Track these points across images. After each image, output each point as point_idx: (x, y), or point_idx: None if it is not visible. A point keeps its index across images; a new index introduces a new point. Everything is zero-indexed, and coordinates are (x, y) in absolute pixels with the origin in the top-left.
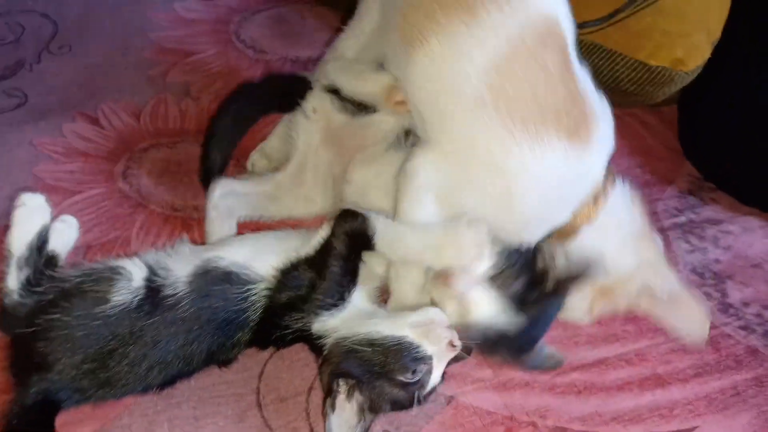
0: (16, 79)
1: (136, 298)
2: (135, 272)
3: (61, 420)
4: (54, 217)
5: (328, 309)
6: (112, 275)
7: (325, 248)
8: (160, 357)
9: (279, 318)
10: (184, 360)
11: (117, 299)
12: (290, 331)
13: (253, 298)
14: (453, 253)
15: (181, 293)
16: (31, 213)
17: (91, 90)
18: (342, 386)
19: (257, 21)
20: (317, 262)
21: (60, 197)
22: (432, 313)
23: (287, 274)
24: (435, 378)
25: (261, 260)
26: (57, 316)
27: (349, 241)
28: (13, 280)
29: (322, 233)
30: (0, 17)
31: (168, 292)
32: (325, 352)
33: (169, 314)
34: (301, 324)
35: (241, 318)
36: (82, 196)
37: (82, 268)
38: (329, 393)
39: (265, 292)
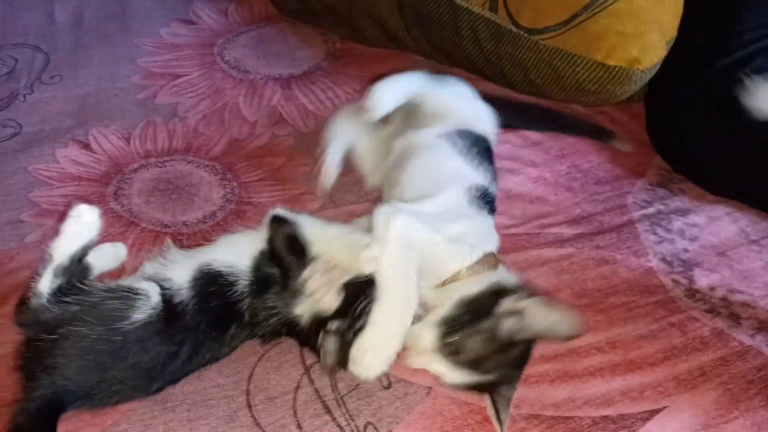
0: (10, 110)
1: (155, 312)
2: (151, 290)
3: (61, 429)
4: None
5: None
6: (133, 295)
7: (272, 250)
8: (170, 361)
9: (264, 307)
10: (188, 361)
11: (137, 317)
12: (276, 317)
13: (240, 291)
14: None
15: (186, 299)
16: (83, 226)
17: (82, 117)
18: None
19: (240, 42)
20: (274, 257)
21: (55, 220)
22: None
23: (257, 270)
24: None
25: (240, 259)
26: (78, 328)
27: (286, 246)
28: (46, 285)
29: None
30: None
31: (177, 300)
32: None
33: (179, 321)
34: (284, 306)
35: (233, 311)
36: None
37: (108, 284)
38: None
39: (247, 288)
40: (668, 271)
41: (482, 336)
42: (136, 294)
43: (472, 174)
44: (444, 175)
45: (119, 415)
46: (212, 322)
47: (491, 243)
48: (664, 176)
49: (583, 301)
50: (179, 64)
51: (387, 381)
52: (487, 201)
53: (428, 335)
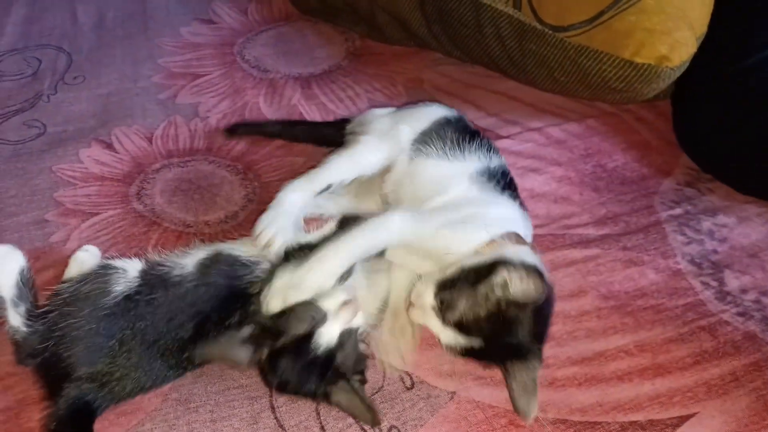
0: (34, 111)
1: (136, 285)
2: (127, 266)
3: None
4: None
5: None
6: (105, 272)
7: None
8: (171, 333)
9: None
10: (193, 336)
11: (118, 289)
12: None
13: (256, 275)
14: None
15: (187, 272)
16: (4, 259)
17: (105, 117)
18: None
19: (260, 41)
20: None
21: (79, 220)
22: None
23: (290, 253)
24: (329, 333)
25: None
26: (67, 322)
27: None
28: (15, 317)
29: (326, 230)
30: (18, 53)
31: (175, 272)
32: None
33: (174, 290)
34: None
35: (242, 294)
36: (100, 217)
37: (73, 279)
38: None
39: (266, 270)
40: (697, 273)
41: (472, 298)
42: (108, 271)
43: (465, 165)
44: (440, 181)
45: (143, 414)
46: (215, 299)
47: (515, 227)
48: (691, 176)
49: (610, 304)
50: (200, 64)
51: (410, 381)
52: (498, 178)
53: (428, 290)
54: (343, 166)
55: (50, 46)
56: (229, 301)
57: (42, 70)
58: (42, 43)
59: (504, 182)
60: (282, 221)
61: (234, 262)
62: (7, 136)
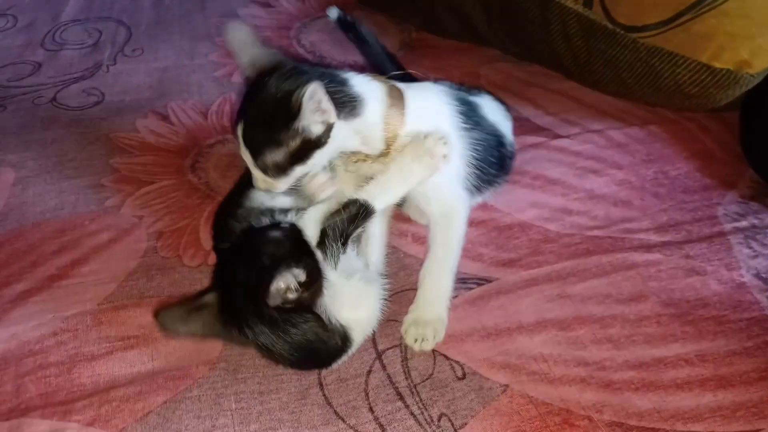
0: (94, 79)
1: None
2: None
3: (135, 389)
4: None
5: None
6: None
7: None
8: None
9: None
10: None
11: None
12: None
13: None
14: None
15: None
16: None
17: (161, 90)
18: None
19: (316, 27)
20: None
21: (134, 187)
22: None
23: None
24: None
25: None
26: None
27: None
28: None
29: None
30: (80, 24)
31: None
32: None
33: None
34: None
35: None
36: (155, 186)
37: None
38: None
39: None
40: (763, 288)
41: None
42: None
43: None
44: None
45: (191, 381)
46: None
47: None
48: (756, 189)
49: (671, 311)
50: None
51: (461, 371)
52: None
53: None
54: None
55: (111, 19)
56: None
57: (102, 42)
58: (103, 15)
59: None
60: None
61: None
62: (67, 102)
